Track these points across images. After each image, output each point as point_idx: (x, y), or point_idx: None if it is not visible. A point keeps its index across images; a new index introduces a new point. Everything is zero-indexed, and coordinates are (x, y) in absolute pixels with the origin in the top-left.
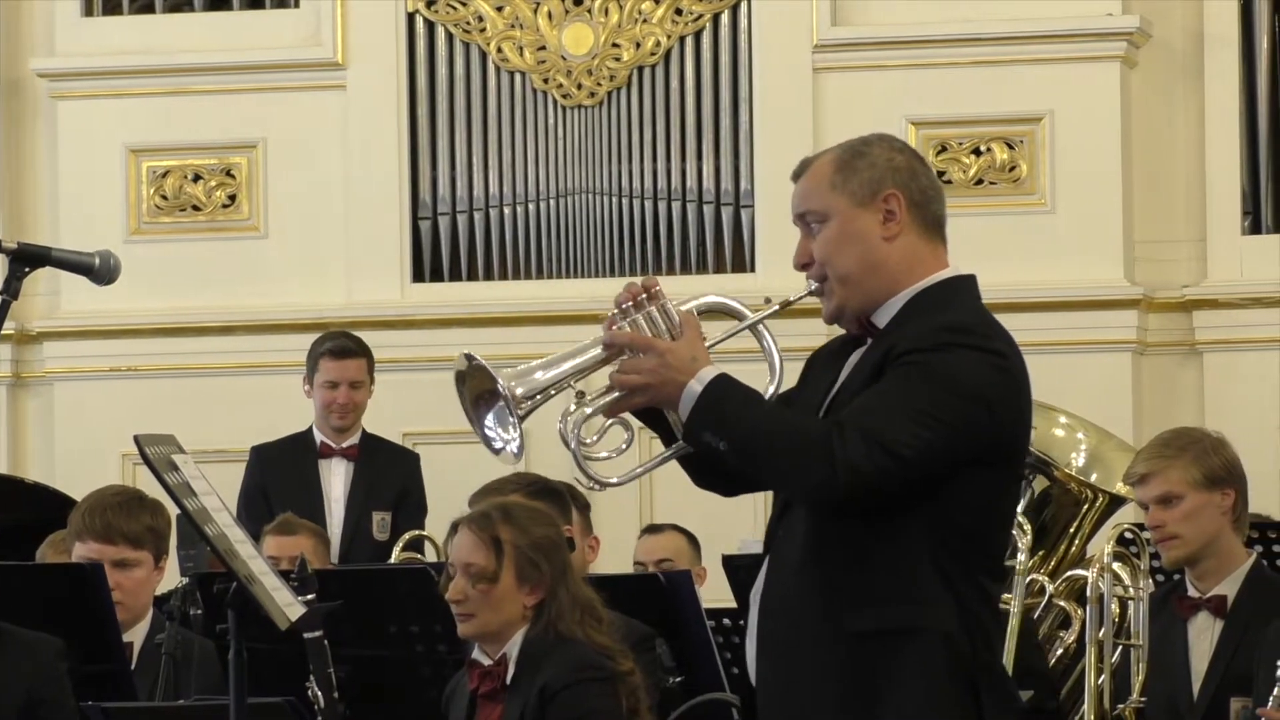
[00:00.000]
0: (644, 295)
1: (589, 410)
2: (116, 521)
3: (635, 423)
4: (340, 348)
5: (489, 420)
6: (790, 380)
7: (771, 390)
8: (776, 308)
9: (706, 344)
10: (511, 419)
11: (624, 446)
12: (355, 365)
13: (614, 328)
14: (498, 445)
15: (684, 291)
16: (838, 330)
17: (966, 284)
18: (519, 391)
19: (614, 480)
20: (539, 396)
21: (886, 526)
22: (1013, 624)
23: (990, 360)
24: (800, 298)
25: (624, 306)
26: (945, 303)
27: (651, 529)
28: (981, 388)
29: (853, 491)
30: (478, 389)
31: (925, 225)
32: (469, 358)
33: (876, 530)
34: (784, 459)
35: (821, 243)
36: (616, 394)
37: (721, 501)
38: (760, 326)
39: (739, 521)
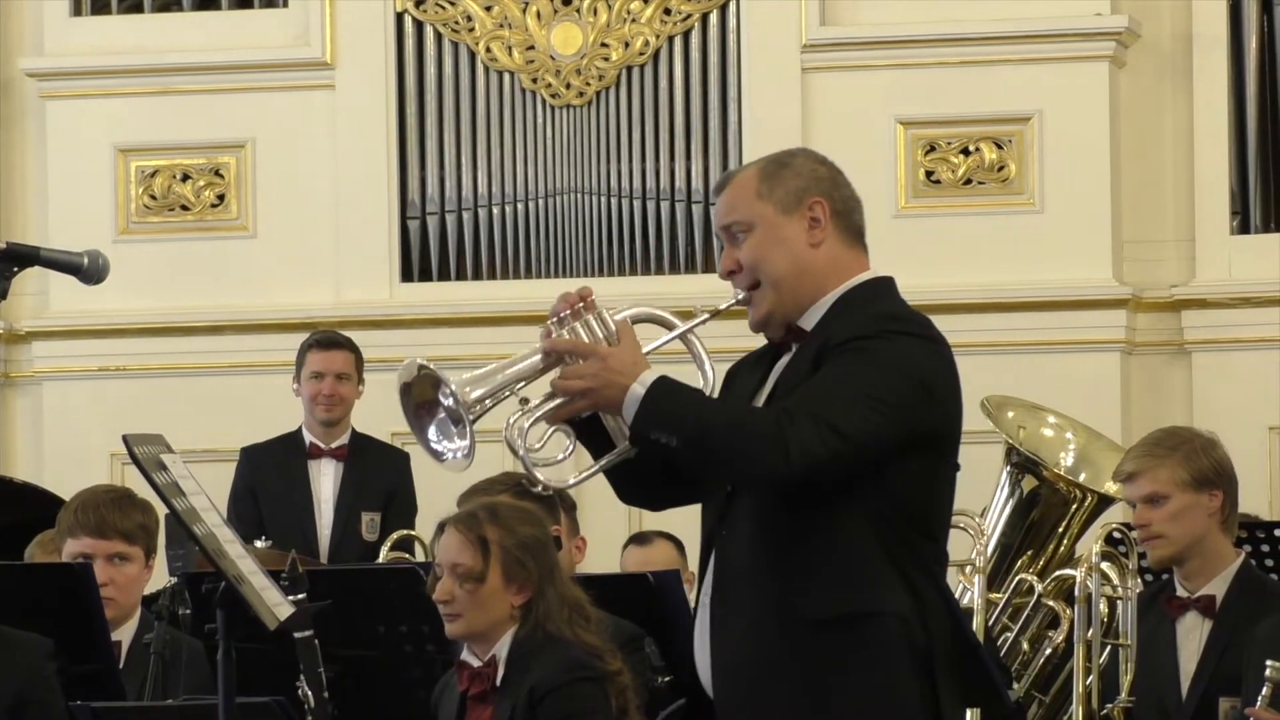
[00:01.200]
0: (580, 304)
1: (533, 418)
2: (110, 517)
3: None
4: (326, 339)
5: (431, 432)
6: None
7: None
8: (706, 317)
9: (644, 351)
10: (463, 424)
11: (569, 451)
12: (341, 357)
13: (552, 335)
14: (446, 456)
15: (678, 290)
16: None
17: (888, 284)
18: (473, 396)
19: (569, 481)
20: (488, 401)
21: (834, 514)
22: (976, 623)
23: (929, 347)
24: (729, 306)
25: (561, 316)
26: (872, 300)
27: (639, 539)
28: (925, 372)
29: (808, 475)
30: (420, 397)
31: (847, 232)
32: (420, 366)
33: (824, 518)
34: (736, 447)
35: (750, 249)
36: (559, 400)
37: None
38: (691, 335)
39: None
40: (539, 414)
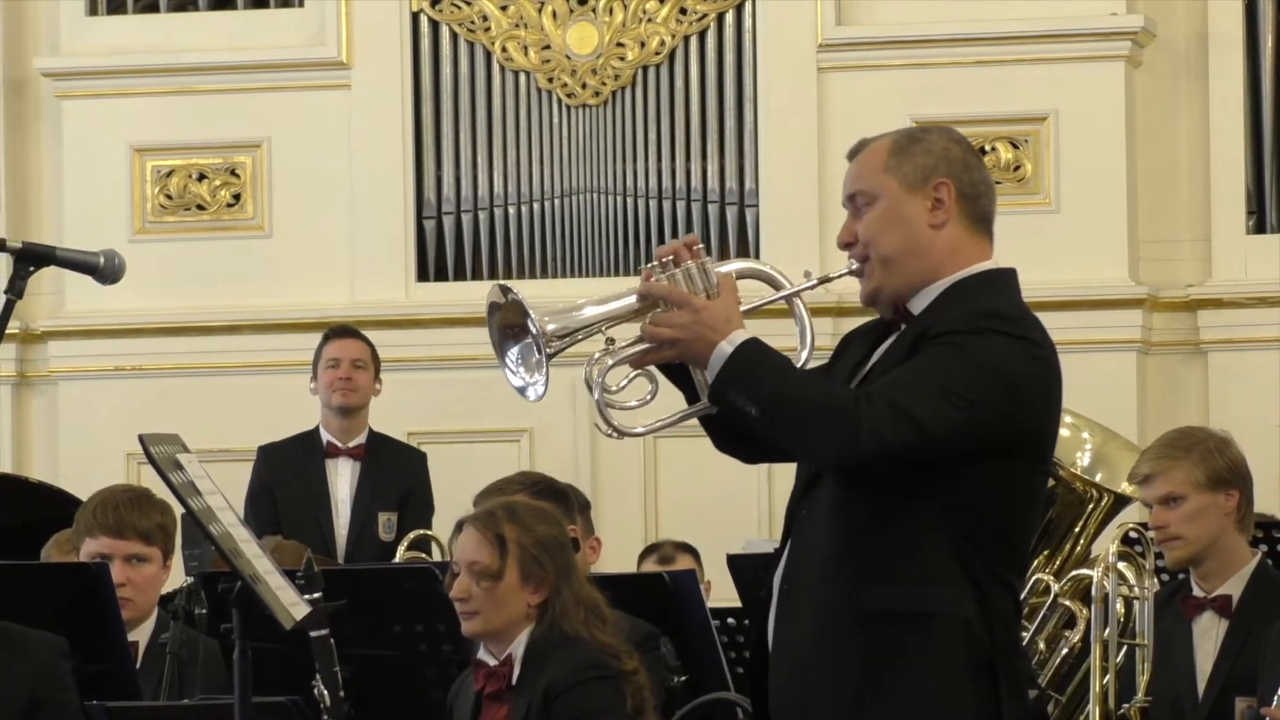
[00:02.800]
0: (685, 251)
1: (616, 359)
2: (129, 517)
3: (660, 377)
4: (341, 329)
5: (513, 354)
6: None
7: (801, 361)
8: (815, 282)
9: (741, 308)
10: (538, 356)
11: (648, 399)
12: (357, 345)
13: (652, 279)
14: (518, 383)
15: None
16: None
17: (1006, 278)
18: (550, 328)
19: (638, 429)
20: (569, 337)
21: (908, 508)
22: None
23: (1025, 349)
24: (840, 275)
25: (664, 260)
26: (983, 293)
27: (653, 550)
28: (1014, 375)
29: (875, 460)
30: (507, 320)
31: (972, 218)
32: (505, 289)
33: (898, 511)
34: (810, 422)
35: (867, 223)
36: (646, 345)
37: (726, 502)
38: (796, 299)
39: (744, 522)
40: (622, 356)
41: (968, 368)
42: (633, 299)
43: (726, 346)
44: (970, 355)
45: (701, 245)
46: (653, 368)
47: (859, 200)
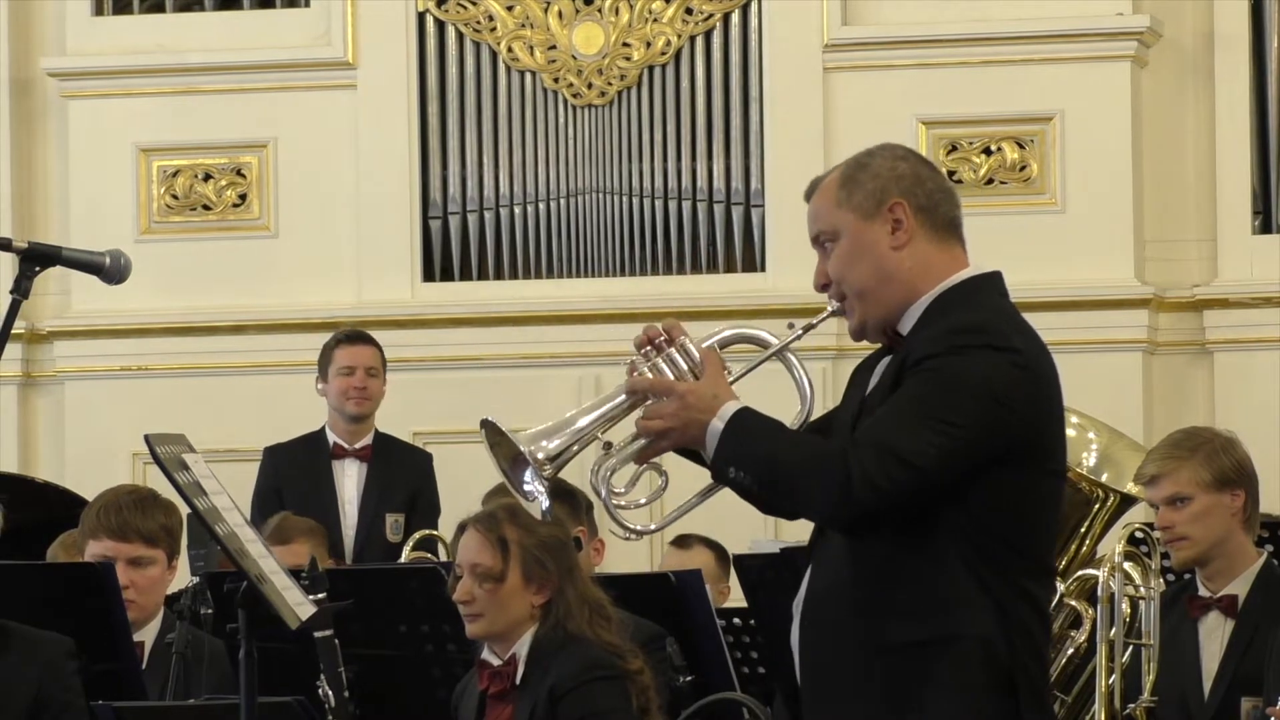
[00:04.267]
0: (663, 338)
1: (616, 460)
2: (132, 519)
3: (668, 469)
4: (356, 334)
5: (526, 476)
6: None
7: (803, 414)
8: (800, 332)
9: (732, 377)
10: (541, 481)
11: (661, 489)
12: (370, 352)
13: (634, 374)
14: (542, 503)
15: (699, 290)
16: None
17: (988, 282)
18: (540, 456)
19: (653, 527)
20: (564, 454)
21: (917, 536)
22: None
23: (1005, 358)
24: (823, 319)
25: (644, 351)
26: (965, 303)
27: (680, 542)
28: (996, 386)
29: (873, 508)
30: (507, 453)
31: (936, 229)
32: (489, 428)
33: (908, 540)
34: (801, 485)
35: (835, 261)
36: (643, 441)
37: (732, 502)
38: (787, 353)
39: (750, 521)
40: (621, 456)
41: (948, 391)
42: (621, 398)
43: (718, 424)
44: (949, 377)
45: (679, 325)
46: (658, 459)
47: (823, 239)
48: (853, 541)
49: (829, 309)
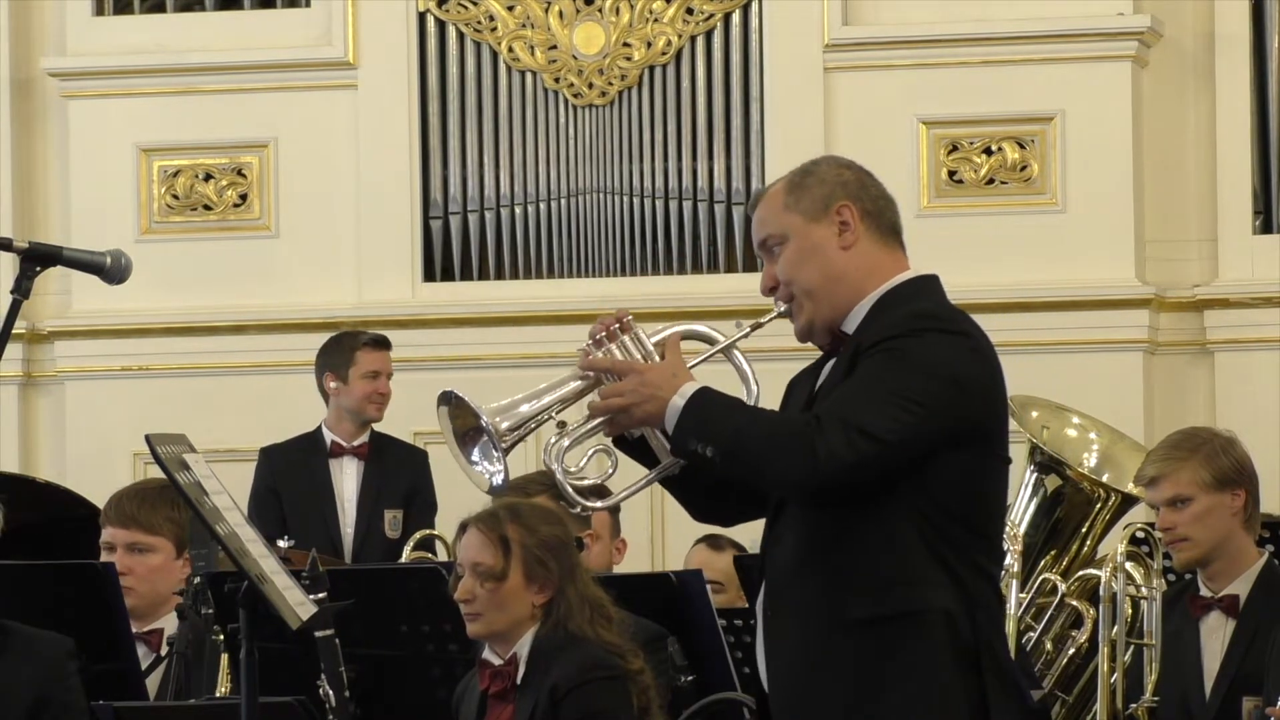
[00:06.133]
0: (616, 326)
1: (570, 440)
2: (130, 507)
3: (618, 452)
4: (378, 339)
5: (475, 454)
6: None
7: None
8: (748, 331)
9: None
10: (496, 453)
11: (610, 473)
12: (390, 357)
13: (590, 357)
14: (486, 477)
15: (700, 290)
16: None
17: (929, 283)
18: (504, 426)
19: (598, 504)
20: (521, 428)
21: (875, 514)
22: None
23: (960, 342)
24: (770, 319)
25: (598, 337)
26: (911, 298)
27: (712, 543)
28: (953, 369)
29: (837, 479)
30: (463, 426)
31: (881, 232)
32: (448, 397)
33: (866, 518)
34: (767, 455)
35: (784, 262)
36: (598, 419)
37: None
38: (734, 349)
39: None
40: (577, 434)
41: (909, 370)
42: (576, 381)
43: (678, 400)
44: (910, 357)
45: (630, 316)
46: (610, 444)
47: (770, 244)
48: (809, 526)
49: (775, 310)
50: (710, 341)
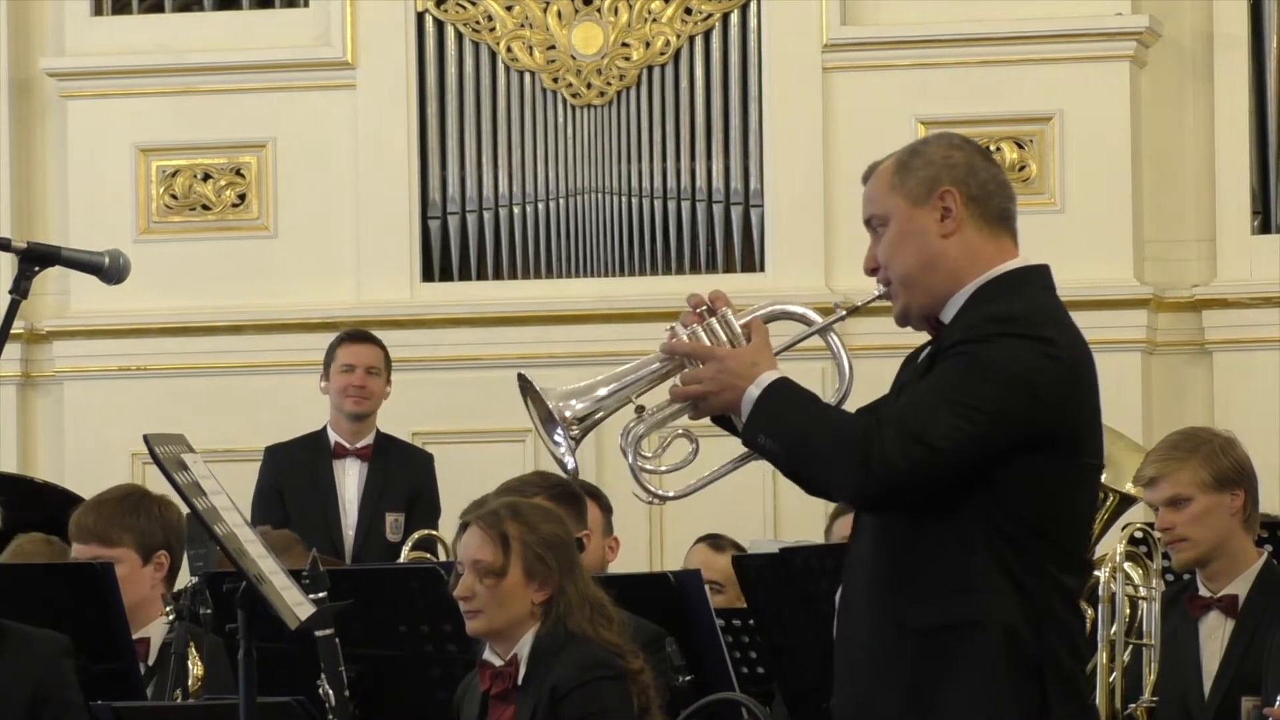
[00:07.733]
0: (704, 308)
1: (646, 425)
2: (87, 521)
3: (699, 437)
4: (358, 334)
5: (558, 435)
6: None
7: (840, 394)
8: (844, 314)
9: (774, 351)
10: (567, 437)
11: (691, 458)
12: (371, 351)
13: (674, 339)
14: (568, 461)
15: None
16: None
17: (1033, 274)
18: (568, 415)
19: (671, 494)
20: (591, 417)
21: (942, 520)
22: None
23: (1036, 347)
24: (869, 301)
25: (684, 318)
26: (1007, 294)
27: (712, 543)
28: (1024, 373)
29: (890, 487)
30: (540, 412)
31: (986, 220)
32: (525, 386)
33: (932, 524)
34: (825, 457)
35: (884, 245)
36: (676, 405)
37: (733, 501)
38: (830, 332)
39: (750, 521)
40: (654, 420)
41: (976, 377)
42: (656, 364)
43: (754, 390)
44: (978, 364)
45: (722, 294)
46: (691, 427)
47: (875, 223)
48: (881, 527)
49: (875, 292)
50: (805, 322)
